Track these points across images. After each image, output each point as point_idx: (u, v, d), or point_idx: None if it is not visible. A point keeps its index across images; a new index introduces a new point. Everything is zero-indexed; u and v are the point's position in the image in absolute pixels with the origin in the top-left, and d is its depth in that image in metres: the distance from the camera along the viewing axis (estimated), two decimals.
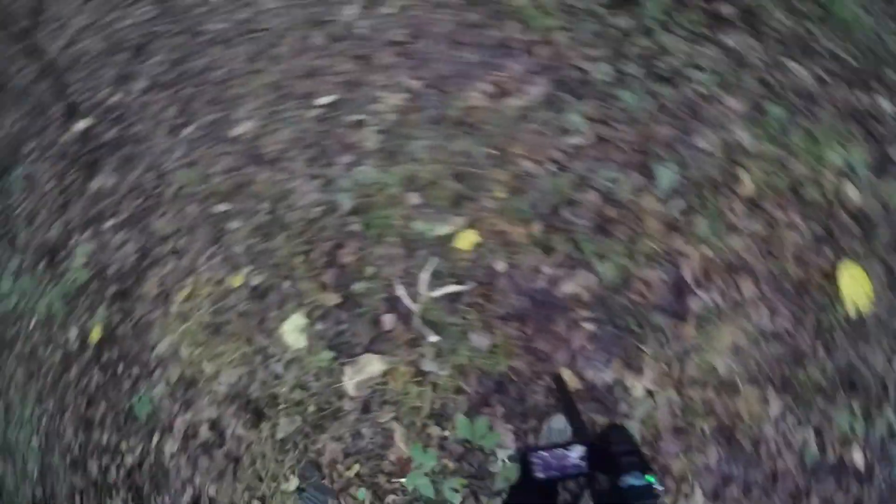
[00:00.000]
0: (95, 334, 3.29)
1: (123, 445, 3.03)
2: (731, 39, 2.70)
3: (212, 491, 2.66)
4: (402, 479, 2.25)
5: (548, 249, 2.37)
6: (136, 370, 3.08)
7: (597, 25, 2.75)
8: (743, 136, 2.48)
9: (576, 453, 1.16)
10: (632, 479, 1.05)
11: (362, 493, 2.27)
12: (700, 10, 2.75)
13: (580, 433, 1.27)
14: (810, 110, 2.57)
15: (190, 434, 2.81)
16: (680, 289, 2.28)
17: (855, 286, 2.28)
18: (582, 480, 1.15)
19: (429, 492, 2.08)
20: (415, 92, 2.84)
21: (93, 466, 3.18)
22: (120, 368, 3.16)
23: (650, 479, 1.06)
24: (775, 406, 2.15)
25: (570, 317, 2.27)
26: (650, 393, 2.14)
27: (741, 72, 2.61)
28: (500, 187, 2.50)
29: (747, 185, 2.40)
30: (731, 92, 2.59)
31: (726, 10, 2.73)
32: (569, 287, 2.30)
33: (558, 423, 2.06)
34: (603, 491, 1.14)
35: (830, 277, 2.29)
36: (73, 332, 3.37)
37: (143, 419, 2.97)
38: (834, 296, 2.27)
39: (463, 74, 2.85)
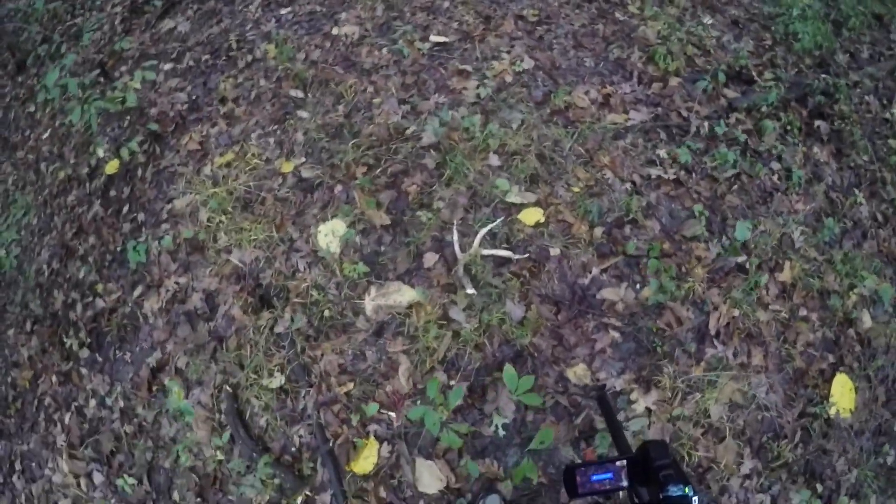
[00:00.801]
0: (112, 166, 3.15)
1: (100, 287, 2.90)
2: (816, 150, 2.92)
3: (181, 362, 2.56)
4: (392, 413, 2.24)
5: (602, 255, 2.44)
6: (142, 216, 2.97)
7: (711, 88, 2.91)
8: (797, 234, 2.68)
9: (618, 468, 1.22)
10: (672, 491, 1.12)
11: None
12: (800, 117, 2.96)
13: (621, 449, 1.34)
14: (859, 239, 2.79)
15: (178, 298, 2.70)
16: (703, 335, 2.43)
17: (843, 394, 2.48)
18: (624, 494, 1.22)
19: (435, 429, 2.09)
20: (527, 69, 2.91)
21: (58, 297, 3.02)
22: (126, 209, 3.04)
23: (688, 490, 1.14)
24: (747, 465, 2.28)
25: (602, 320, 2.34)
26: (649, 411, 2.24)
27: (815, 182, 2.83)
28: (578, 183, 2.56)
29: (786, 274, 2.57)
30: (800, 194, 2.79)
31: (821, 125, 2.96)
32: (609, 293, 2.38)
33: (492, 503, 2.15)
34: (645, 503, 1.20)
35: (826, 379, 2.49)
36: (90, 155, 3.22)
37: (132, 267, 2.84)
38: (824, 395, 2.45)
39: (575, 73, 2.93)
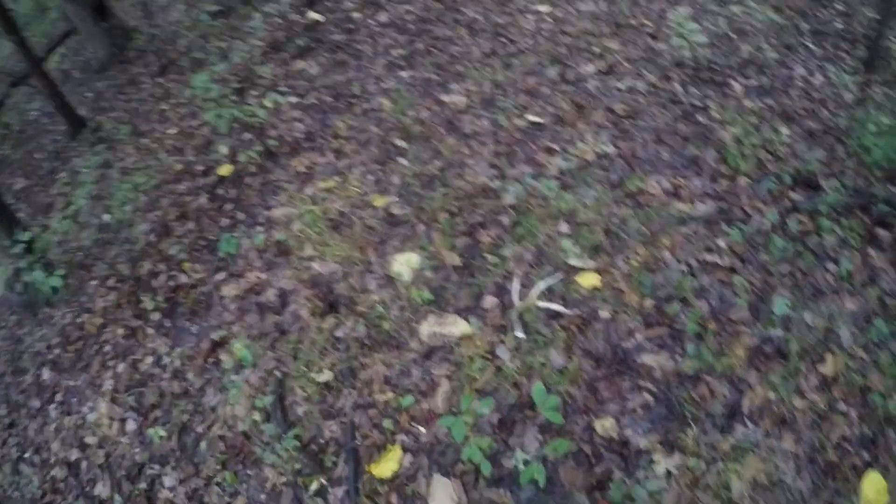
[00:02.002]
0: (226, 169, 3.57)
1: (187, 266, 3.23)
2: (875, 256, 2.99)
3: (240, 344, 2.77)
4: (423, 428, 2.36)
5: (648, 324, 2.58)
6: (241, 215, 3.33)
7: (776, 187, 3.07)
8: (845, 332, 2.71)
9: None
10: None
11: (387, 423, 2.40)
12: (861, 222, 3.08)
13: None
14: None
15: (255, 290, 2.97)
16: (734, 411, 2.45)
17: (875, 495, 2.40)
18: None
19: (459, 436, 2.19)
20: (608, 154, 3.21)
21: (146, 265, 3.34)
22: (229, 207, 3.42)
23: None
24: None
25: (637, 381, 2.42)
26: (669, 474, 2.25)
27: (869, 286, 2.88)
28: (637, 258, 2.76)
29: (829, 367, 2.58)
30: (853, 294, 2.85)
31: (883, 233, 3.05)
32: (649, 359, 2.47)
33: None
34: None
35: (858, 475, 2.42)
36: (210, 154, 3.66)
37: (221, 255, 3.16)
38: (854, 491, 2.39)
39: (652, 164, 3.20)
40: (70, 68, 7.35)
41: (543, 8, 4.49)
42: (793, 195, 3.10)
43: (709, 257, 2.81)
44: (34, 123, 6.82)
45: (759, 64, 3.80)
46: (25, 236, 3.24)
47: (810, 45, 3.98)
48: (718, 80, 3.70)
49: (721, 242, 2.87)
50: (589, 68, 3.83)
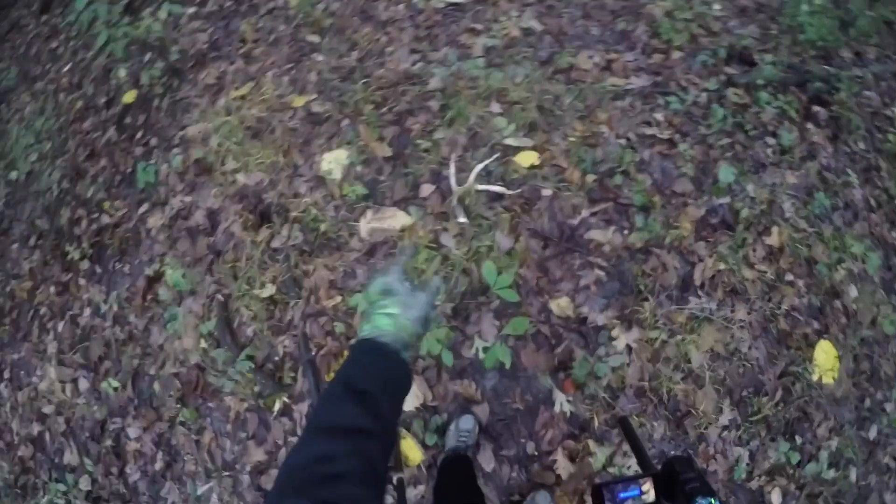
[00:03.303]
0: (130, 96, 3.27)
1: (106, 205, 3.00)
2: (813, 132, 2.97)
3: (177, 275, 2.62)
4: None
5: (592, 200, 2.50)
6: (154, 141, 3.08)
7: (711, 62, 2.99)
8: (788, 205, 2.70)
9: (644, 485, 1.27)
10: (700, 502, 1.15)
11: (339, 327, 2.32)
12: (798, 99, 3.02)
13: (646, 467, 1.39)
14: (850, 219, 2.82)
15: (182, 215, 2.79)
16: (687, 284, 2.44)
17: (826, 360, 2.48)
18: None
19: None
20: (534, 31, 3.01)
21: (64, 214, 3.11)
22: (139, 134, 3.15)
23: (714, 501, 1.17)
24: (726, 416, 2.27)
25: (588, 258, 2.37)
26: (630, 349, 2.26)
27: (808, 160, 2.87)
28: (574, 134, 2.63)
29: (774, 238, 2.59)
30: (794, 168, 2.83)
31: (819, 110, 3.02)
32: (597, 235, 2.41)
33: (466, 423, 2.17)
34: None
35: (810, 344, 2.49)
36: (110, 83, 3.35)
37: (140, 186, 2.94)
38: (807, 358, 2.45)
39: (581, 39, 3.02)
40: None
41: None
42: (728, 70, 3.01)
43: (648, 130, 2.72)
44: None
45: None
46: None
47: None
48: None
49: (659, 116, 2.77)
50: None
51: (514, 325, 2.21)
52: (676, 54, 3.02)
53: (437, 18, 3.06)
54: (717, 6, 3.31)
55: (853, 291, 2.62)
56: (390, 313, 0.91)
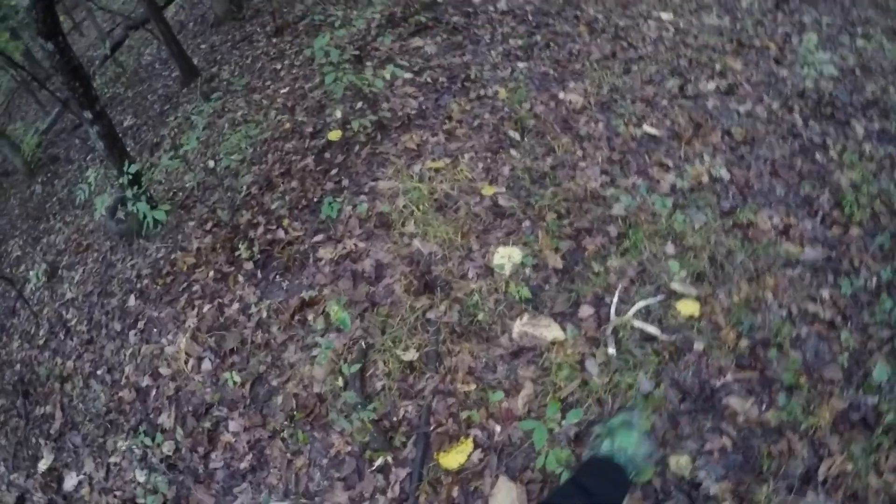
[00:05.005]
0: (335, 135, 3.58)
1: (286, 222, 3.27)
2: None
3: (341, 311, 2.69)
4: (498, 426, 2.30)
5: (739, 366, 2.43)
6: (346, 182, 3.34)
7: (888, 245, 2.85)
8: None
9: None
10: None
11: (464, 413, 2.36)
12: None
13: None
14: None
15: (352, 257, 2.96)
16: (810, 476, 2.20)
17: None
18: None
19: (540, 443, 2.11)
20: (722, 179, 3.07)
21: (245, 215, 3.37)
22: (334, 171, 3.44)
23: None
24: None
25: (720, 423, 2.27)
26: None
27: None
28: (738, 294, 2.61)
29: None
30: None
31: None
32: (735, 403, 2.32)
33: None
34: None
35: None
36: (320, 118, 3.70)
37: (321, 217, 3.16)
38: None
39: (765, 196, 3.04)
40: (186, 20, 7.67)
41: (666, 16, 4.35)
42: None
43: (811, 307, 2.64)
44: (147, 67, 7.15)
45: (883, 107, 3.56)
46: (133, 168, 3.28)
47: None
48: (840, 117, 3.49)
49: (825, 293, 2.69)
50: (709, 85, 3.68)
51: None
52: (855, 231, 2.94)
53: (631, 145, 3.20)
54: None
55: None
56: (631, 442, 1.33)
